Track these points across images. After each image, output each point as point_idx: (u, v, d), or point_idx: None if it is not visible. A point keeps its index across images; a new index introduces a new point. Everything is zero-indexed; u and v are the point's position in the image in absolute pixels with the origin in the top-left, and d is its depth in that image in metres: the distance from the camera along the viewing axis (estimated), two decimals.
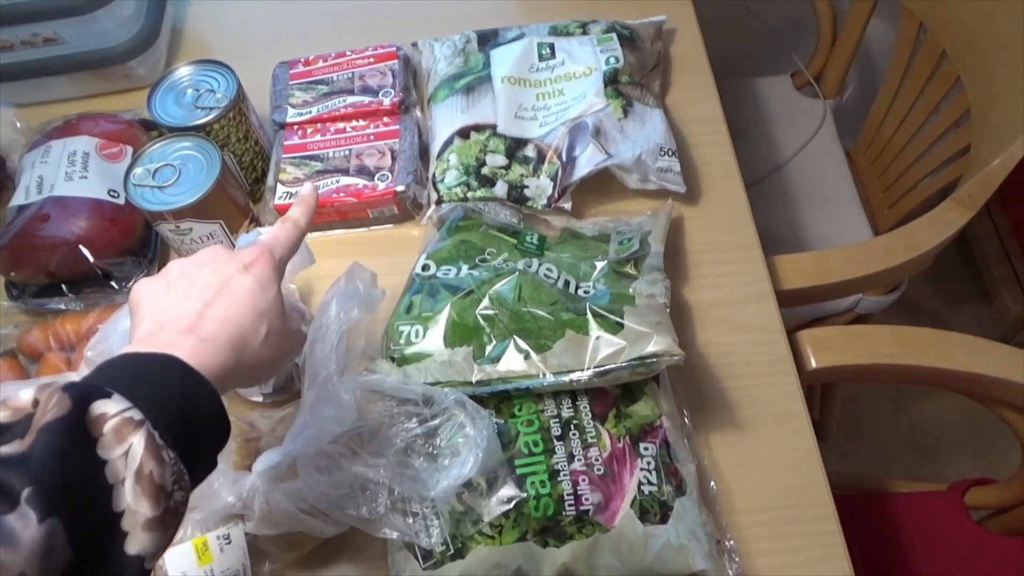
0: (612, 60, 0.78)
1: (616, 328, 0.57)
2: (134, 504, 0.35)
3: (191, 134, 0.69)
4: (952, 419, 1.38)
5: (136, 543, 0.35)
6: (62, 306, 0.72)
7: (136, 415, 0.36)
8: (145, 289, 0.46)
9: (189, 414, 0.39)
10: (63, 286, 0.72)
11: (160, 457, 0.36)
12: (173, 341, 0.42)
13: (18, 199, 0.73)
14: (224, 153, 0.69)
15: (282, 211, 0.75)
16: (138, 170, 0.68)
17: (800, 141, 1.15)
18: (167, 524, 0.37)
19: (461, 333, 0.60)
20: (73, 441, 0.34)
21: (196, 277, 0.45)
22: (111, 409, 0.36)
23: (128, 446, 0.35)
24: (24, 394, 0.36)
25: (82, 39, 0.84)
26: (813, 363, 0.70)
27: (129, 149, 0.77)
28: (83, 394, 0.36)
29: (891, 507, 0.87)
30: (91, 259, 0.70)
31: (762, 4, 1.09)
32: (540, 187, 0.73)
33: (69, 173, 0.73)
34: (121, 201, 0.73)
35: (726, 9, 0.98)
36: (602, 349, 0.57)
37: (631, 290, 0.63)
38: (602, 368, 0.56)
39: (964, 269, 1.51)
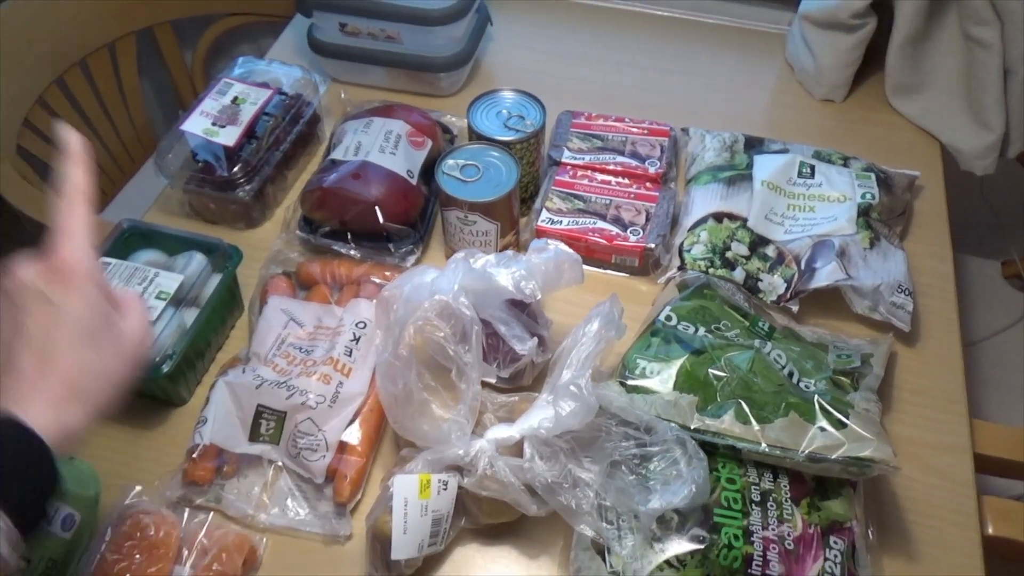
0: (868, 195, 0.84)
1: (839, 425, 0.62)
2: None
3: (498, 146, 0.81)
4: None
5: None
6: (342, 250, 0.84)
7: None
8: None
9: (26, 476, 0.39)
10: (348, 235, 0.84)
11: None
12: (7, 402, 0.41)
13: (337, 154, 0.86)
14: None
15: (542, 232, 0.85)
16: (450, 161, 0.79)
17: (995, 327, 1.17)
18: None
19: (691, 383, 0.66)
20: None
21: (11, 320, 0.44)
22: None
23: None
24: None
25: (415, 44, 0.99)
26: (990, 529, 0.72)
27: (429, 142, 0.89)
28: None
29: None
30: (381, 220, 0.82)
31: (996, 187, 1.14)
32: (773, 284, 0.80)
33: (383, 147, 0.86)
34: (414, 181, 0.85)
35: (958, 180, 1.03)
36: (820, 439, 0.62)
37: (848, 399, 0.68)
38: (816, 456, 0.61)
39: None
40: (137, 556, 0.59)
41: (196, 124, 0.87)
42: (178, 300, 0.73)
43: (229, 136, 0.86)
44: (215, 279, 0.77)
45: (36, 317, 0.43)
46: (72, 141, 0.48)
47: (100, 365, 0.44)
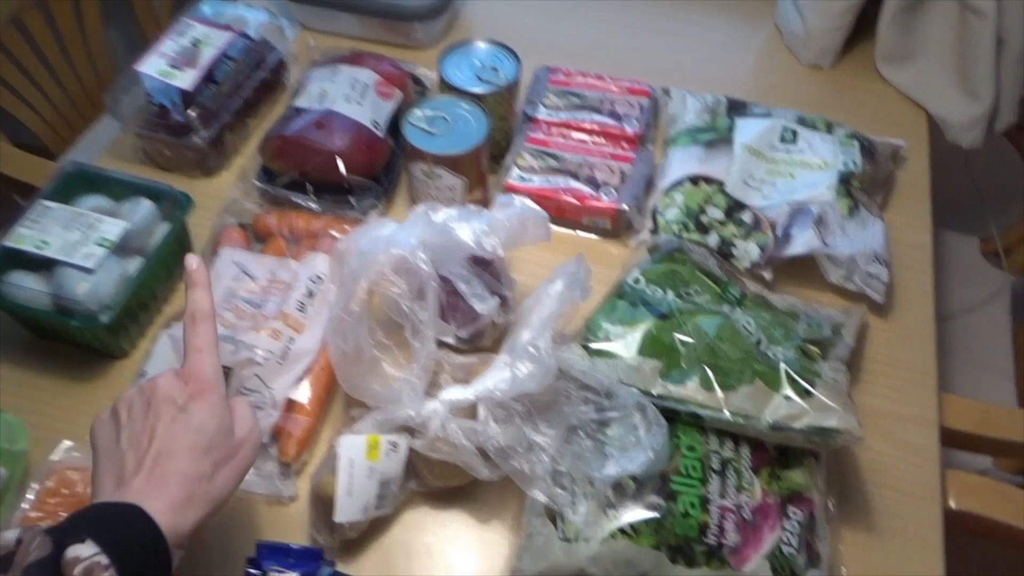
0: (850, 163, 0.82)
1: (804, 394, 0.60)
2: None
3: (468, 99, 0.77)
4: None
5: None
6: (300, 202, 0.80)
7: (104, 560, 0.40)
8: (100, 431, 0.49)
9: (146, 562, 0.43)
10: (308, 186, 0.81)
11: None
12: (132, 496, 0.45)
13: (300, 102, 0.83)
14: None
15: (512, 190, 0.81)
16: (417, 112, 0.76)
17: (970, 303, 1.15)
18: None
19: (656, 348, 0.64)
20: None
21: (143, 421, 0.48)
22: (84, 553, 0.40)
23: None
24: (9, 535, 0.40)
25: None
26: (952, 504, 0.71)
27: (399, 93, 0.86)
28: (62, 538, 0.40)
29: None
30: (343, 171, 0.78)
31: (981, 162, 1.11)
32: (747, 250, 0.78)
33: (348, 96, 0.82)
34: (380, 133, 0.82)
35: (944, 154, 1.01)
36: (784, 408, 0.60)
37: (815, 368, 0.66)
38: (780, 425, 0.59)
39: None
40: (62, 514, 0.57)
41: (152, 65, 0.83)
42: (122, 248, 0.69)
43: (187, 79, 0.82)
44: (164, 228, 0.74)
45: (164, 420, 0.47)
46: (193, 266, 0.53)
47: (211, 473, 0.47)
